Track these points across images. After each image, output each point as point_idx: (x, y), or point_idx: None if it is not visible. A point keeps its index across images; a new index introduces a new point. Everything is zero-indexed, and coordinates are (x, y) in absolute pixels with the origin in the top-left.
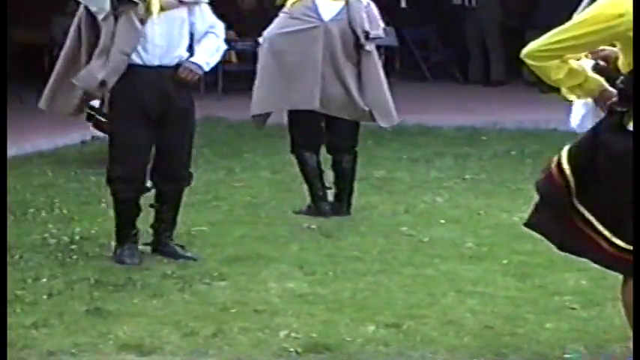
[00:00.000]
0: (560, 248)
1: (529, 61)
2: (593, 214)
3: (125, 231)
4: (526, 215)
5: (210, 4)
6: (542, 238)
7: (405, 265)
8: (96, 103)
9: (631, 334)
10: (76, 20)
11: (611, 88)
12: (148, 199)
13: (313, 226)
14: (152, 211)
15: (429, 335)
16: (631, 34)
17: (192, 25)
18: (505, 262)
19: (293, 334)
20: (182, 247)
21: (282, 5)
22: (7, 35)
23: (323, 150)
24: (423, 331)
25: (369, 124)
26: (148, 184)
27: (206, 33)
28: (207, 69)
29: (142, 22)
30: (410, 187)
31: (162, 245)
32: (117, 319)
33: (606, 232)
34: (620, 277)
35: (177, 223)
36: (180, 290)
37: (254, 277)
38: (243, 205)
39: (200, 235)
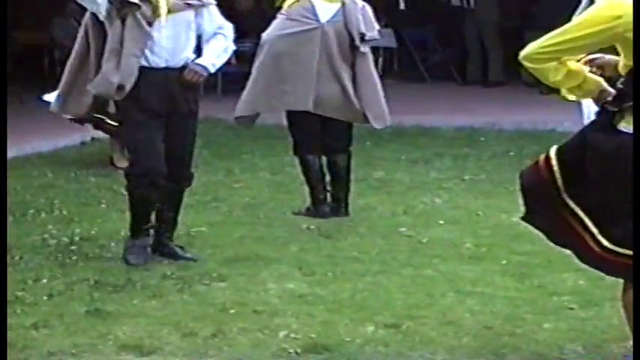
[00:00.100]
0: (550, 239)
1: (527, 64)
2: (583, 211)
3: (138, 226)
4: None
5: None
6: (541, 239)
7: (404, 265)
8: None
9: (629, 333)
10: (83, 24)
11: (610, 88)
12: None
13: (312, 227)
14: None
15: (428, 335)
16: (629, 35)
17: (199, 26)
18: (504, 262)
19: (292, 335)
20: (182, 247)
21: (280, 7)
22: (7, 36)
23: None
24: (422, 332)
25: (366, 125)
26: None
27: (215, 34)
28: (213, 70)
29: (150, 24)
30: (409, 187)
31: (162, 246)
32: (117, 319)
33: (594, 229)
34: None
35: (177, 223)
36: (179, 291)
37: (253, 277)
38: (242, 206)
39: (199, 236)
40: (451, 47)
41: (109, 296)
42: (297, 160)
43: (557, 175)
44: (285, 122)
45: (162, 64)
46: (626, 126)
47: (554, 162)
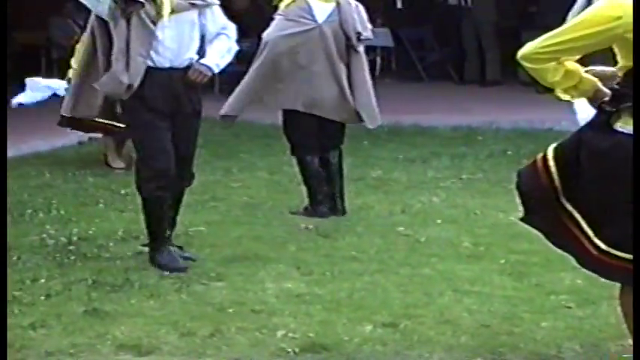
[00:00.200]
0: (549, 240)
1: (526, 64)
2: (579, 212)
3: (158, 232)
4: (521, 215)
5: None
6: (539, 238)
7: (402, 264)
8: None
9: (626, 332)
10: (89, 26)
11: (605, 89)
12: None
13: (310, 227)
14: None
15: (425, 334)
16: (629, 35)
17: (203, 26)
18: (502, 261)
19: (290, 334)
20: (180, 247)
21: (277, 6)
22: (7, 36)
23: None
24: (419, 331)
25: (362, 125)
26: None
27: (218, 34)
28: (217, 71)
29: (154, 23)
30: (406, 187)
31: None
32: (114, 319)
33: (589, 232)
34: None
35: (176, 223)
36: (177, 290)
37: (251, 277)
38: (240, 206)
39: (198, 236)
40: (448, 46)
41: (106, 296)
42: (294, 160)
43: (555, 176)
44: (281, 122)
45: (167, 64)
46: (622, 126)
47: (551, 163)
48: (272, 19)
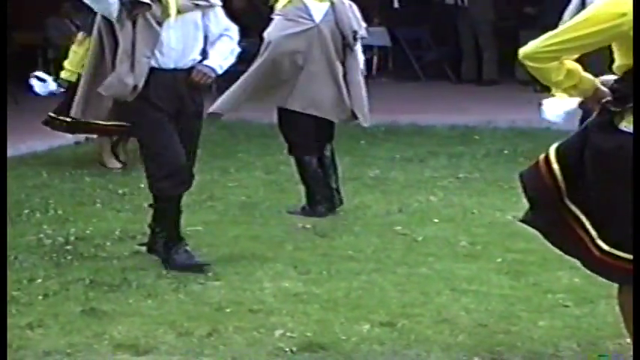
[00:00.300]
0: (554, 245)
1: (529, 63)
2: (583, 213)
3: (173, 231)
4: (519, 214)
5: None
6: (536, 237)
7: (399, 264)
8: None
9: (624, 331)
10: (95, 28)
11: (604, 88)
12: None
13: (308, 226)
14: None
15: (423, 334)
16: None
17: (206, 27)
18: (499, 260)
19: (288, 334)
20: None
21: (272, 6)
22: (7, 37)
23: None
24: (417, 330)
25: (361, 125)
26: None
27: (220, 36)
28: (220, 72)
29: (159, 24)
30: (403, 186)
31: (157, 245)
32: (112, 319)
33: (593, 232)
34: None
35: None
36: (175, 290)
37: (249, 276)
38: (237, 205)
39: (195, 235)
40: (445, 46)
41: (104, 296)
42: (291, 159)
43: (559, 177)
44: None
45: (172, 65)
46: (627, 125)
47: (554, 166)
48: (270, 19)
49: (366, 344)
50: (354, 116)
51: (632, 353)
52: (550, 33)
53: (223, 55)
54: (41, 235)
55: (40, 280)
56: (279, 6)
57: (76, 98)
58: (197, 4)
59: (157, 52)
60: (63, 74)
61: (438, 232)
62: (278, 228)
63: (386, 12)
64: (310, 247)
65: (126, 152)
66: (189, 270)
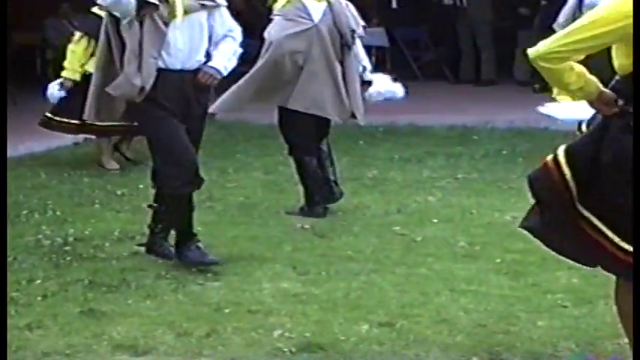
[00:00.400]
0: (555, 251)
1: (542, 64)
2: (597, 217)
3: (186, 229)
4: (518, 214)
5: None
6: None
7: (398, 264)
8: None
9: (622, 331)
10: (103, 29)
11: (608, 91)
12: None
13: (306, 227)
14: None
15: (422, 334)
16: None
17: (211, 28)
18: (498, 260)
19: (287, 334)
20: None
21: (271, 7)
22: (6, 37)
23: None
24: (416, 330)
25: (360, 125)
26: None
27: (224, 36)
28: (225, 73)
29: (166, 24)
30: (402, 186)
31: (156, 246)
32: (111, 319)
33: (614, 237)
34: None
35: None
36: (174, 291)
37: (248, 277)
38: (236, 206)
39: None
40: (443, 46)
41: (103, 296)
42: (290, 160)
43: (570, 181)
44: (277, 122)
45: (178, 66)
46: None
47: (565, 169)
48: (269, 19)
49: (365, 344)
50: (352, 115)
51: (631, 354)
52: (561, 33)
53: (227, 56)
54: (40, 236)
55: (39, 281)
56: (278, 6)
57: (88, 101)
58: (203, 5)
59: (163, 53)
60: (65, 73)
61: (436, 232)
62: (277, 228)
63: (384, 12)
64: (309, 247)
65: (132, 150)
66: (204, 266)
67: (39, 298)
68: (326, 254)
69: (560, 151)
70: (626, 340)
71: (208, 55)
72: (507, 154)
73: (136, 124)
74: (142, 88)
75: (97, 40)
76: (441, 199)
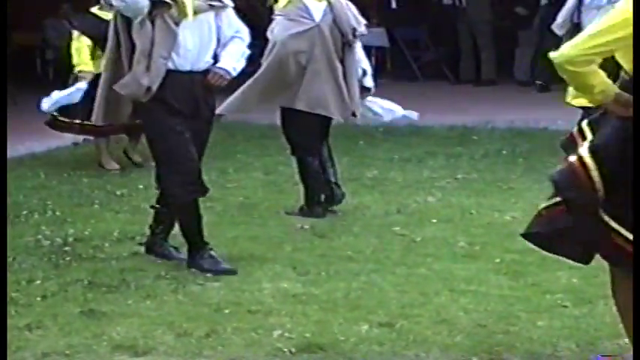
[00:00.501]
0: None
1: (570, 67)
2: (619, 223)
3: (197, 237)
4: (518, 214)
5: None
6: None
7: (398, 264)
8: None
9: (622, 331)
10: (111, 28)
11: (624, 93)
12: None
13: (306, 227)
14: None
15: (422, 334)
16: None
17: (219, 29)
18: (497, 260)
19: (287, 334)
20: (176, 248)
21: (272, 7)
22: (6, 37)
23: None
24: (416, 330)
25: (360, 125)
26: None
27: (232, 37)
28: (234, 74)
29: (177, 24)
30: (402, 186)
31: (156, 246)
32: (111, 320)
33: (628, 235)
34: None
35: (174, 224)
36: (173, 291)
37: (247, 277)
38: (236, 206)
39: None
40: (443, 46)
41: (103, 297)
42: (291, 160)
43: (598, 184)
44: (278, 122)
45: (188, 67)
46: None
47: (594, 173)
48: (270, 19)
49: (365, 345)
50: (352, 113)
51: (631, 353)
52: (584, 35)
53: (235, 57)
54: (40, 237)
55: (38, 281)
56: (279, 6)
57: (96, 103)
58: (211, 5)
59: (173, 54)
60: (80, 68)
61: (436, 232)
62: (277, 229)
63: (384, 12)
64: (309, 247)
65: (139, 153)
66: (219, 274)
67: (39, 299)
68: (326, 254)
69: (586, 153)
70: (627, 340)
71: (215, 57)
72: (507, 154)
73: (136, 122)
74: (149, 88)
75: (93, 39)
76: (441, 199)
